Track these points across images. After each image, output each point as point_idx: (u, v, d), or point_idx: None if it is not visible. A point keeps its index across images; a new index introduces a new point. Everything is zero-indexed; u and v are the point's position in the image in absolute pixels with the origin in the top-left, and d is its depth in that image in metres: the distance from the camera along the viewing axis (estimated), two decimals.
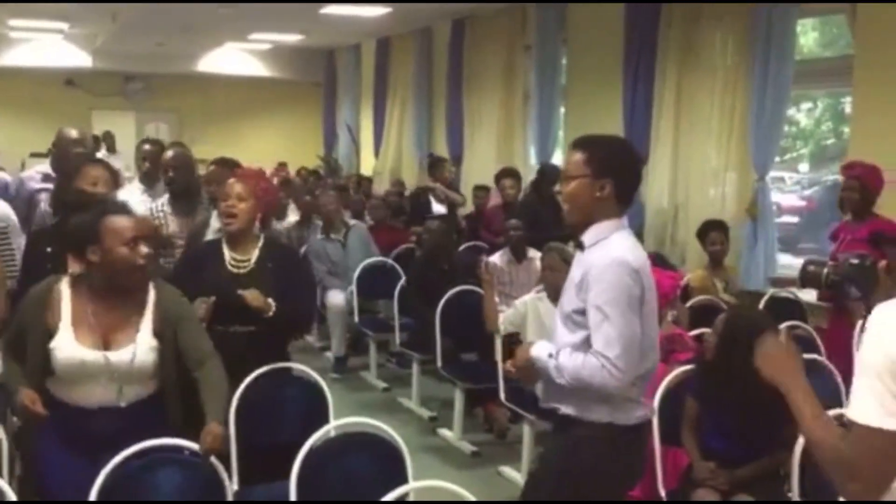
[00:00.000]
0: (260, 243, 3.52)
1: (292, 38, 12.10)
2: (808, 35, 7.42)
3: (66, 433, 2.72)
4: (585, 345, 2.51)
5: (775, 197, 6.74)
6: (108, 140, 12.51)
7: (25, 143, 11.92)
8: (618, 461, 2.61)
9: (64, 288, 2.76)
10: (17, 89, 13.28)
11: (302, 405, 3.41)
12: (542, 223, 6.28)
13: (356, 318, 6.55)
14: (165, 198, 4.60)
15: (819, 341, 4.48)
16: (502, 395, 4.72)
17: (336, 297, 6.63)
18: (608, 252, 2.52)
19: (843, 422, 1.68)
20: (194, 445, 2.68)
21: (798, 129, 8.57)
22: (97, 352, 2.69)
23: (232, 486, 2.87)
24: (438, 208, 8.65)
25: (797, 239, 8.01)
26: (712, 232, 5.54)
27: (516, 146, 8.99)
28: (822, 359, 4.04)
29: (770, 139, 6.00)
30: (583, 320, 2.52)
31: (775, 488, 3.32)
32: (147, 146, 5.13)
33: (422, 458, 4.69)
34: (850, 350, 3.90)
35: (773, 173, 6.43)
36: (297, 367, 3.58)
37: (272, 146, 13.78)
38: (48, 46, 12.73)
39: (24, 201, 4.66)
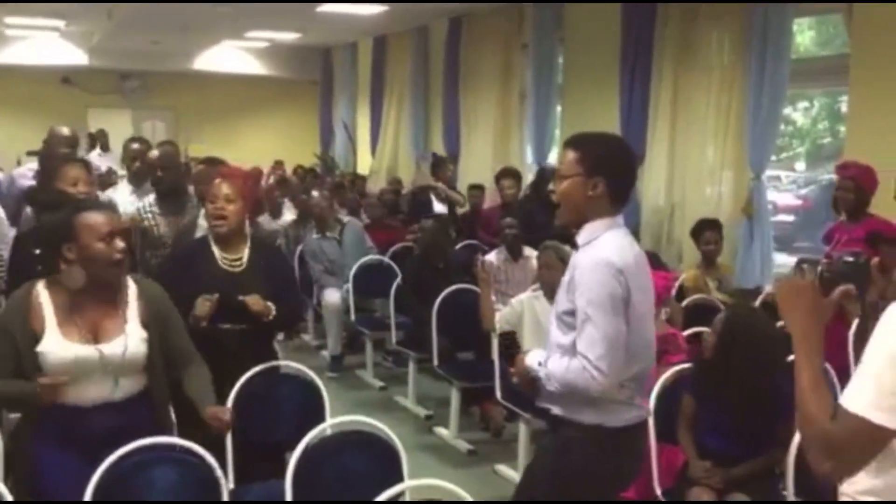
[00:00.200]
0: (248, 242, 3.55)
1: (289, 37, 12.07)
2: (805, 34, 7.44)
3: (63, 433, 2.71)
4: (576, 346, 2.50)
5: (771, 196, 6.74)
6: (102, 138, 12.45)
7: (22, 142, 11.83)
8: (607, 463, 2.60)
9: (42, 290, 2.72)
10: (13, 87, 13.23)
11: (298, 403, 3.41)
12: (537, 224, 6.28)
13: (352, 317, 6.56)
14: (152, 197, 4.54)
15: None
16: (498, 394, 4.72)
17: (332, 296, 6.63)
18: (595, 252, 2.50)
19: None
20: (193, 445, 2.69)
21: (794, 128, 8.58)
22: (89, 346, 2.68)
23: (228, 485, 2.87)
24: (439, 207, 8.64)
25: (793, 238, 8.02)
26: (706, 231, 5.55)
27: (513, 145, 8.98)
28: None
29: (766, 138, 6.00)
30: (573, 321, 2.51)
31: (771, 487, 3.32)
32: (135, 145, 5.07)
33: (418, 457, 4.70)
34: (845, 348, 3.88)
35: (769, 172, 6.41)
36: (293, 365, 3.59)
37: (269, 144, 13.75)
38: (44, 44, 12.66)
39: (14, 199, 4.61)
